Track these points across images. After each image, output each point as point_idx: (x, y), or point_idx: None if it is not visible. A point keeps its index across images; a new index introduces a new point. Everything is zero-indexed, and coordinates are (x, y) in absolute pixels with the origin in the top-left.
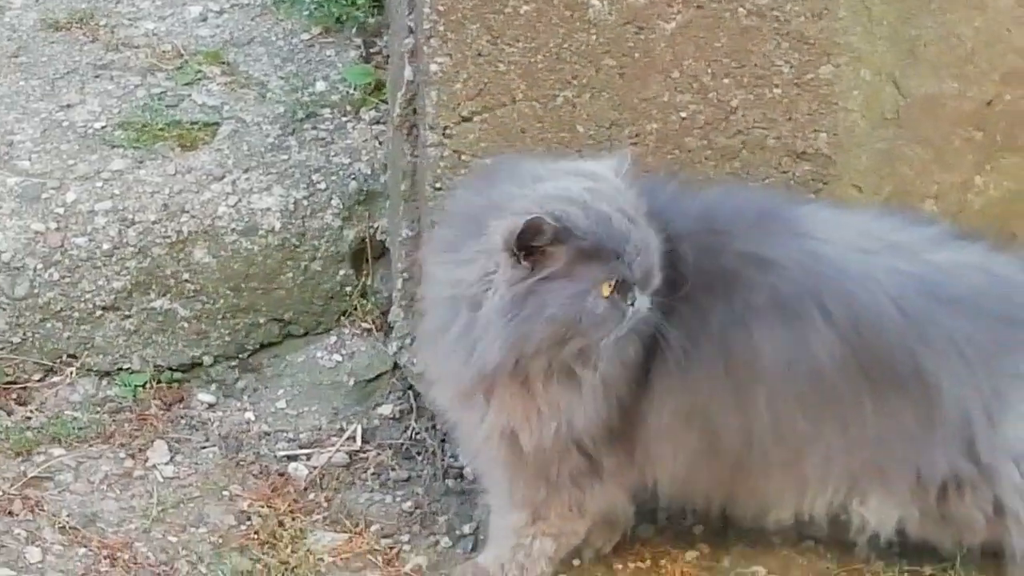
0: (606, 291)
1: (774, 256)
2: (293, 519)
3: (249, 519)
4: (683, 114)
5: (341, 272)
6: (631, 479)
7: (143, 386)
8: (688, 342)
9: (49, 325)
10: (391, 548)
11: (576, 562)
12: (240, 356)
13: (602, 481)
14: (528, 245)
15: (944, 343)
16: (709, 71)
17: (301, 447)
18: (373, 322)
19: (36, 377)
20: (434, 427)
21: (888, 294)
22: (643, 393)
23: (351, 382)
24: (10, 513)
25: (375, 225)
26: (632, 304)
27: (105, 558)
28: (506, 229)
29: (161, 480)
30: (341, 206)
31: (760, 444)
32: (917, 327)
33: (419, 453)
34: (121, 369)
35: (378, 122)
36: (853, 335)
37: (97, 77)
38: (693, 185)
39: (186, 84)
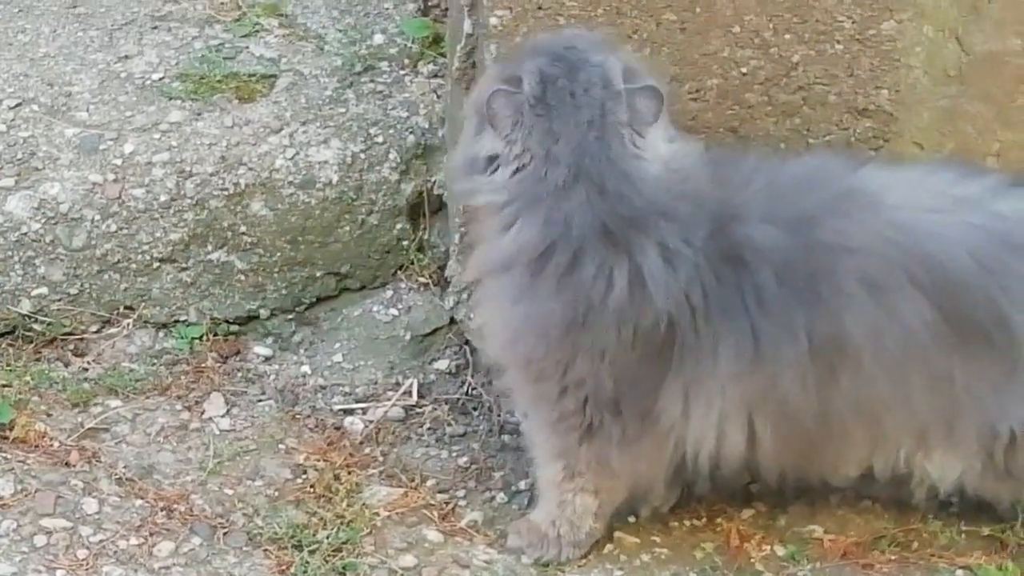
0: None
1: (860, 241)
2: (349, 473)
3: (305, 472)
4: (744, 69)
5: (398, 226)
6: (652, 455)
7: (200, 338)
8: (749, 347)
9: (106, 276)
10: (447, 503)
11: (632, 519)
12: (296, 309)
13: (617, 447)
14: None
15: (1022, 291)
16: (770, 26)
17: (357, 401)
18: (430, 276)
19: (93, 328)
20: (490, 383)
21: (966, 249)
22: (657, 389)
23: (407, 336)
24: (67, 464)
25: (432, 179)
26: None
27: (161, 510)
28: None
29: (217, 433)
30: (399, 160)
31: (839, 417)
32: (996, 277)
33: (475, 408)
34: (178, 321)
35: (436, 75)
36: (941, 297)
37: (155, 28)
38: (762, 168)
39: (244, 36)
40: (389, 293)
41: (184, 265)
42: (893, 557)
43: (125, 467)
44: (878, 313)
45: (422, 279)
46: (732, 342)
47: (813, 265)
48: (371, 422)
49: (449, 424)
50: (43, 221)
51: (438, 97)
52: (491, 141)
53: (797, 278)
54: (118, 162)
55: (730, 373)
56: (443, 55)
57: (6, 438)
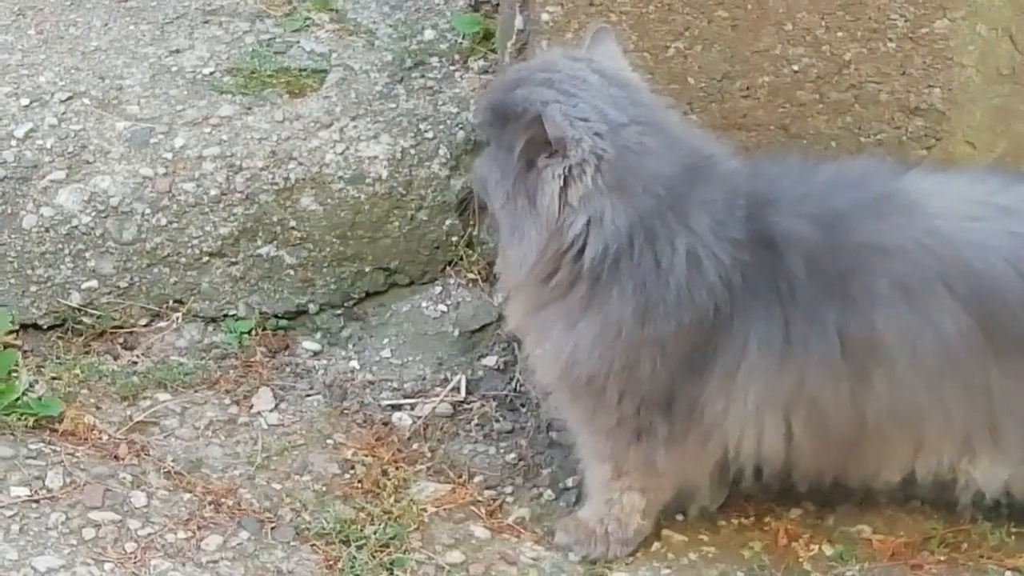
0: None
1: (894, 242)
2: (396, 469)
3: (353, 468)
4: (795, 67)
5: (447, 222)
6: (696, 454)
7: (248, 333)
8: (780, 337)
9: (156, 270)
10: (494, 500)
11: (680, 517)
12: (345, 304)
13: (663, 447)
14: None
15: None
16: (823, 24)
17: (405, 397)
18: (479, 272)
19: (142, 322)
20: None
21: (1006, 259)
22: (702, 380)
23: (456, 332)
24: (116, 457)
25: None
26: None
27: (209, 504)
28: None
29: (266, 427)
30: (448, 155)
31: (875, 422)
32: None
33: (523, 405)
34: (227, 315)
35: (486, 71)
36: (977, 306)
37: (206, 23)
38: (800, 166)
39: (295, 31)
40: (438, 289)
41: (233, 259)
42: (942, 558)
43: (173, 461)
44: (911, 318)
45: (471, 275)
46: (764, 328)
47: (844, 261)
48: (419, 418)
49: (497, 420)
50: (93, 214)
51: None
52: (556, 167)
53: (827, 272)
54: (168, 156)
55: (762, 360)
56: (494, 51)
57: (55, 431)
